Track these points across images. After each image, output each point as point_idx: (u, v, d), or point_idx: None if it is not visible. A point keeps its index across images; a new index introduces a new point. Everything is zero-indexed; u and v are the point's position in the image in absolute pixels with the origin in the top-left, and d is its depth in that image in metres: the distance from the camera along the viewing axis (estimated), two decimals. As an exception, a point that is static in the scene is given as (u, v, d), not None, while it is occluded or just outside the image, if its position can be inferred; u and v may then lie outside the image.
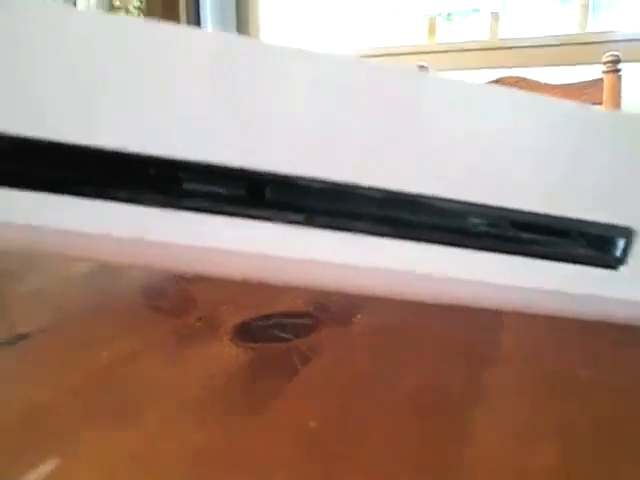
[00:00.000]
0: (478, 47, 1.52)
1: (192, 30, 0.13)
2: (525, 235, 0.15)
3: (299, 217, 0.12)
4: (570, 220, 0.15)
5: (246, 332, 0.22)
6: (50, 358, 0.20)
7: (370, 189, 0.12)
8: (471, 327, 0.23)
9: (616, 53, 1.06)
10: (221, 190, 0.12)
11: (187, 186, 0.12)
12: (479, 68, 1.46)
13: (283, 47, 0.12)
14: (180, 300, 0.26)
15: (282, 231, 0.12)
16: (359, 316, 0.24)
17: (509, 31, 1.55)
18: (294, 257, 0.12)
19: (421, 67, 1.17)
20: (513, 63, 1.42)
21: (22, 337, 0.22)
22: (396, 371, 0.19)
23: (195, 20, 1.62)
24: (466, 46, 1.53)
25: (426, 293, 0.16)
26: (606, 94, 1.06)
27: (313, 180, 0.12)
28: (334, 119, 0.12)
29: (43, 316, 0.25)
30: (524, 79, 1.11)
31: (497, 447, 0.15)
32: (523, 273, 0.15)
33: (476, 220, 0.14)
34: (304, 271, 0.14)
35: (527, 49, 1.45)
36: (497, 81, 1.10)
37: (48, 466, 0.14)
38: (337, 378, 0.19)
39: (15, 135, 0.11)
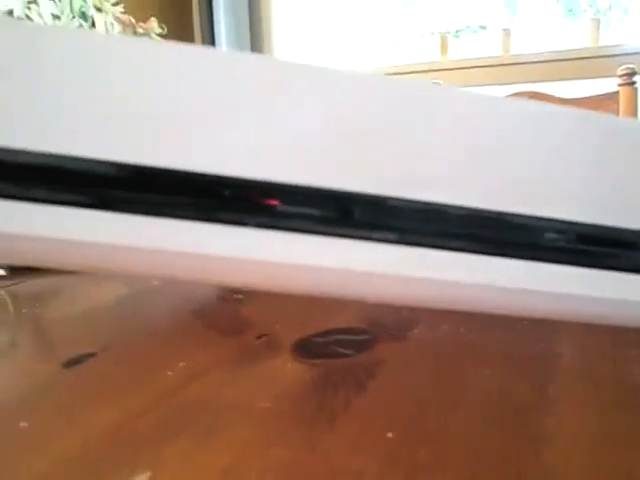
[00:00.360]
0: (491, 63, 1.53)
1: (262, 57, 0.14)
2: (592, 247, 0.15)
3: (391, 236, 0.13)
4: (632, 231, 0.15)
5: (306, 349, 0.22)
6: (117, 378, 0.21)
7: (454, 207, 0.13)
8: (529, 339, 0.23)
9: (631, 66, 1.07)
10: (313, 211, 0.13)
11: (282, 208, 0.12)
12: (493, 84, 1.47)
13: (359, 73, 0.13)
14: (235, 320, 0.27)
15: (373, 249, 0.13)
16: (416, 330, 0.24)
17: (520, 47, 1.57)
18: (386, 273, 0.13)
19: (435, 84, 1.18)
20: (526, 79, 1.43)
21: (89, 356, 0.22)
22: (460, 382, 0.19)
23: (210, 40, 1.66)
24: (479, 62, 1.55)
25: (504, 306, 0.17)
26: (623, 106, 1.06)
27: (401, 200, 0.13)
28: (415, 140, 0.13)
29: (102, 337, 0.25)
30: (540, 93, 1.11)
31: (571, 455, 0.15)
32: (592, 284, 0.15)
33: (550, 234, 0.14)
34: (395, 287, 0.14)
35: (540, 64, 1.46)
36: (513, 96, 1.11)
37: (142, 478, 0.14)
38: (405, 390, 0.19)
39: (120, 162, 0.12)
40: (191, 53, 0.13)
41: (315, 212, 0.13)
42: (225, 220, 0.12)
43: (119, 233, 0.12)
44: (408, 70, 1.59)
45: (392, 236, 0.13)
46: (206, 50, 0.13)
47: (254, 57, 0.13)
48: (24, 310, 0.30)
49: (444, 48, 1.66)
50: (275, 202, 0.12)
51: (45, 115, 0.12)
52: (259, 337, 0.24)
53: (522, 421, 0.17)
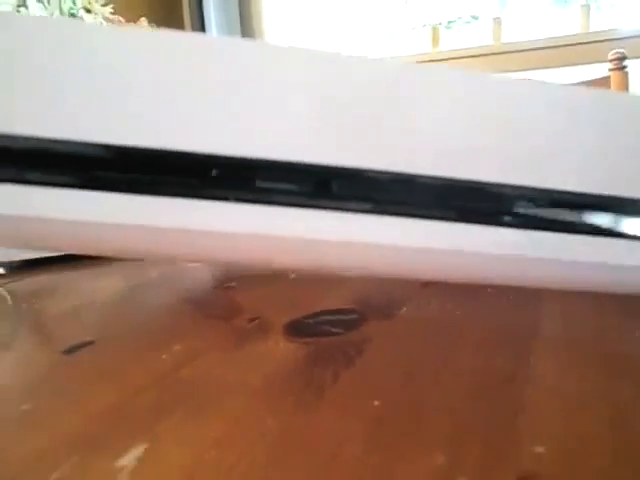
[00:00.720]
0: (483, 52, 1.53)
1: (263, 43, 0.14)
2: (567, 212, 0.16)
3: (366, 206, 0.13)
4: (608, 197, 0.16)
5: (297, 329, 0.23)
6: (114, 362, 0.22)
7: (431, 177, 0.13)
8: (513, 311, 0.24)
9: (621, 50, 1.08)
10: (291, 186, 0.13)
11: (260, 184, 0.13)
12: (485, 73, 1.47)
13: (352, 56, 0.14)
14: (228, 307, 0.27)
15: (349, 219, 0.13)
16: (404, 309, 0.25)
17: (511, 35, 1.57)
18: (361, 241, 0.14)
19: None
20: (518, 67, 1.43)
21: (88, 344, 0.23)
22: (445, 356, 0.20)
23: (199, 23, 1.65)
24: (471, 52, 1.55)
25: (482, 273, 0.17)
26: (614, 91, 1.07)
27: (378, 172, 0.13)
28: (396, 113, 0.14)
29: (100, 327, 0.26)
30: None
31: (548, 422, 0.16)
32: (567, 248, 0.16)
33: (522, 201, 0.15)
34: (373, 256, 0.15)
35: (531, 52, 1.47)
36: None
37: (138, 450, 0.15)
38: (392, 364, 0.20)
39: (116, 144, 0.12)
40: (173, 36, 0.14)
41: (293, 186, 0.13)
42: (208, 196, 0.13)
43: (109, 212, 0.13)
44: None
45: (368, 206, 0.13)
46: (189, 34, 0.14)
47: (237, 40, 0.14)
48: (23, 305, 0.31)
49: (435, 39, 1.66)
50: (255, 177, 0.13)
51: (41, 101, 0.13)
52: (251, 320, 0.24)
53: (502, 391, 0.18)
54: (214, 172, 0.13)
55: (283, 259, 0.16)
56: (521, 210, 0.15)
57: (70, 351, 0.22)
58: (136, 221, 0.13)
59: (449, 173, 0.14)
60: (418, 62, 1.58)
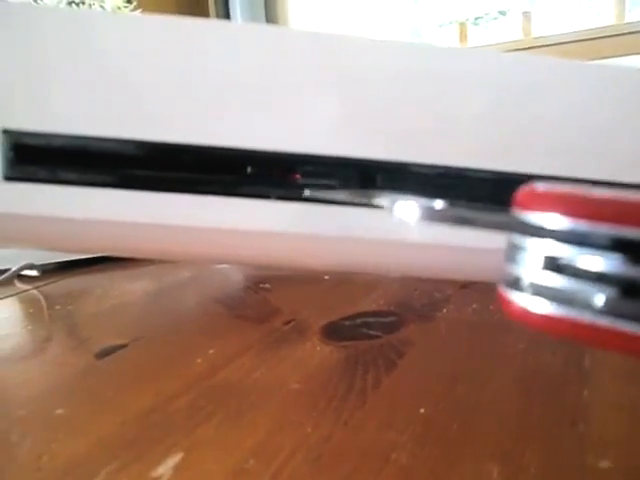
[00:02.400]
0: (511, 48, 1.50)
1: (287, 30, 0.14)
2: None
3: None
4: None
5: (335, 332, 0.22)
6: (148, 366, 0.21)
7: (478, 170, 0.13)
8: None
9: (659, 41, 1.04)
10: (334, 182, 0.12)
11: (302, 180, 0.12)
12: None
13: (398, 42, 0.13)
14: (263, 308, 0.27)
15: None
16: (445, 311, 0.24)
17: (541, 30, 1.54)
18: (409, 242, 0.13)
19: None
20: (550, 61, 1.40)
21: (121, 347, 0.23)
22: (492, 358, 0.19)
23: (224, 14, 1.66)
24: (501, 48, 1.52)
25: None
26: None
27: (424, 166, 0.12)
28: (433, 106, 0.13)
29: (133, 329, 0.25)
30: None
31: (607, 426, 0.15)
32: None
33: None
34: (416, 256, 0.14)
35: (563, 45, 1.43)
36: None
37: (175, 458, 0.14)
38: (436, 368, 0.19)
39: (143, 140, 0.12)
40: (214, 28, 0.13)
41: (335, 182, 0.13)
42: (246, 193, 0.12)
43: (145, 211, 0.12)
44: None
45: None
46: (229, 24, 0.13)
47: (273, 29, 0.13)
48: (57, 307, 0.31)
49: (463, 36, 1.64)
50: (293, 173, 0.12)
51: (75, 98, 0.13)
52: (287, 323, 0.24)
53: (557, 393, 0.17)
54: (250, 170, 0.12)
55: (325, 261, 0.15)
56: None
57: (103, 355, 0.22)
58: (172, 221, 0.12)
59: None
60: (446, 59, 1.55)
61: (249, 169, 0.12)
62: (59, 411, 0.17)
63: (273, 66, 0.13)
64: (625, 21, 1.44)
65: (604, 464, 0.13)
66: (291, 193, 0.12)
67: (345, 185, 0.12)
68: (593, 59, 1.37)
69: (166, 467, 0.14)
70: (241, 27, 0.13)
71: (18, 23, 0.12)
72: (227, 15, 1.69)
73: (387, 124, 0.13)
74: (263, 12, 1.68)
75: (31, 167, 0.12)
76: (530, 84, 0.13)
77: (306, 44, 0.13)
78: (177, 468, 0.14)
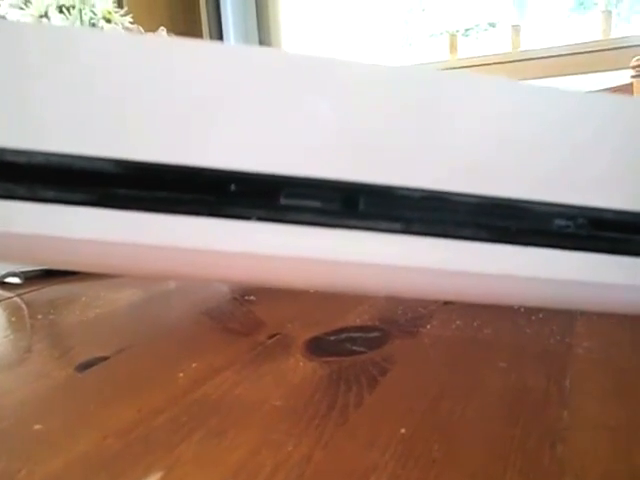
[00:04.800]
0: (501, 60, 1.52)
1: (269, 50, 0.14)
2: (606, 233, 0.15)
3: (396, 226, 0.13)
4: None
5: (318, 347, 0.22)
6: (129, 380, 0.21)
7: (464, 195, 0.13)
8: (543, 331, 0.23)
9: (644, 57, 1.05)
10: (317, 203, 0.13)
11: (284, 201, 0.12)
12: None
13: (374, 65, 0.13)
14: (247, 321, 0.27)
15: (378, 240, 0.13)
16: (429, 327, 0.24)
17: (530, 43, 1.56)
18: (391, 264, 0.13)
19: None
20: (538, 74, 1.42)
21: (103, 359, 0.22)
22: (475, 377, 0.19)
23: (217, 34, 1.66)
24: (489, 60, 1.54)
25: (516, 295, 0.16)
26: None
27: (409, 189, 0.12)
28: (425, 129, 0.13)
29: (115, 341, 0.25)
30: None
31: (588, 448, 0.15)
32: (605, 269, 0.15)
33: (561, 221, 0.14)
34: (401, 278, 0.14)
35: (551, 59, 1.45)
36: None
37: (156, 476, 0.14)
38: (418, 386, 0.19)
39: (131, 159, 0.12)
40: (196, 48, 0.13)
41: (319, 204, 0.13)
42: (228, 215, 0.12)
43: (124, 230, 0.12)
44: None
45: (397, 226, 0.13)
46: (211, 45, 0.13)
47: (259, 50, 0.13)
48: (39, 317, 0.31)
49: (453, 47, 1.65)
50: (279, 195, 0.12)
51: (49, 115, 0.13)
52: (271, 337, 0.24)
53: (538, 413, 0.17)
54: (233, 189, 0.12)
55: (306, 280, 0.16)
56: (559, 229, 0.14)
57: (85, 367, 0.22)
58: (152, 241, 0.12)
59: (483, 190, 0.13)
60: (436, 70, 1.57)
61: (231, 189, 0.12)
62: (38, 426, 0.17)
63: (256, 87, 0.13)
64: (611, 36, 1.46)
65: (582, 487, 0.13)
66: (273, 215, 0.13)
67: (328, 207, 0.13)
68: (579, 73, 1.39)
69: (145, 487, 0.14)
70: (224, 48, 0.13)
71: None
72: (218, 19, 1.70)
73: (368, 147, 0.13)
74: (255, 17, 1.69)
75: (9, 184, 0.12)
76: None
77: (291, 66, 0.13)
78: (156, 489, 0.14)
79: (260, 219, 0.12)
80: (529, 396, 0.18)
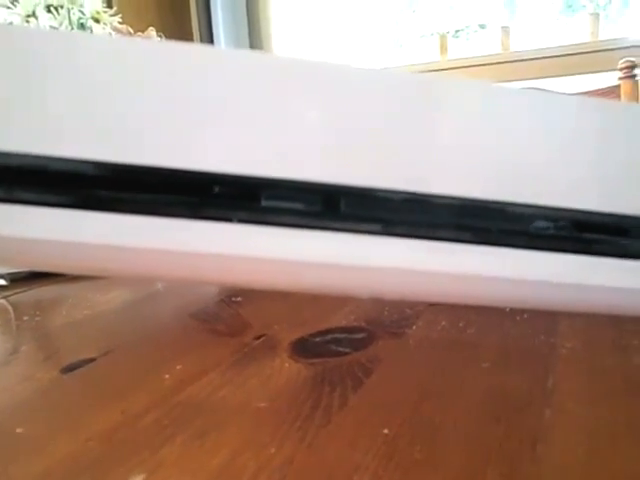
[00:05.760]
0: (490, 61, 1.53)
1: (256, 54, 0.14)
2: (587, 235, 0.15)
3: (376, 227, 0.13)
4: (630, 217, 0.15)
5: (303, 348, 0.22)
6: (114, 382, 0.21)
7: (446, 197, 0.13)
8: (527, 332, 0.23)
9: (632, 59, 1.07)
10: (298, 205, 0.13)
11: (266, 203, 0.12)
12: (494, 82, 1.46)
13: (363, 69, 0.13)
14: (234, 322, 0.27)
15: (358, 241, 0.13)
16: (414, 327, 0.24)
17: (519, 44, 1.57)
18: (372, 266, 0.13)
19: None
20: (527, 75, 1.42)
21: (89, 361, 0.22)
22: (458, 378, 0.19)
23: (208, 34, 1.66)
24: (479, 61, 1.54)
25: (497, 296, 0.17)
26: (623, 100, 1.06)
27: (389, 191, 0.13)
28: (405, 131, 0.13)
29: (102, 342, 0.25)
30: (541, 90, 1.11)
31: (569, 449, 0.15)
32: (587, 271, 0.15)
33: (542, 223, 0.14)
34: (381, 279, 0.14)
35: (540, 60, 1.46)
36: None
37: (138, 479, 0.14)
38: (403, 387, 0.19)
39: (113, 162, 0.12)
40: (180, 51, 0.13)
41: (300, 206, 0.13)
42: (210, 217, 0.12)
43: (105, 233, 0.12)
44: (408, 71, 1.59)
45: (379, 227, 0.13)
46: (193, 47, 0.13)
47: (245, 53, 0.13)
48: (25, 318, 0.30)
49: (443, 48, 1.66)
50: (260, 197, 0.12)
51: (31, 117, 0.13)
52: (257, 338, 0.24)
53: (520, 414, 0.17)
54: (216, 191, 0.12)
55: (288, 282, 0.16)
56: (539, 231, 0.14)
57: (70, 369, 0.22)
58: (135, 243, 0.12)
59: (466, 193, 0.13)
60: (426, 71, 1.57)
61: (212, 191, 0.12)
62: (19, 430, 0.17)
63: (237, 89, 0.13)
64: (599, 39, 1.48)
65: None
66: (254, 216, 0.13)
67: (309, 209, 0.13)
68: (568, 75, 1.40)
69: (126, 490, 0.14)
70: (205, 50, 0.13)
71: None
72: (208, 19, 1.69)
73: (353, 150, 0.13)
74: (245, 17, 1.68)
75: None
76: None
77: (272, 69, 0.13)
78: (138, 491, 0.14)
79: (241, 221, 0.13)
80: (512, 396, 0.18)
